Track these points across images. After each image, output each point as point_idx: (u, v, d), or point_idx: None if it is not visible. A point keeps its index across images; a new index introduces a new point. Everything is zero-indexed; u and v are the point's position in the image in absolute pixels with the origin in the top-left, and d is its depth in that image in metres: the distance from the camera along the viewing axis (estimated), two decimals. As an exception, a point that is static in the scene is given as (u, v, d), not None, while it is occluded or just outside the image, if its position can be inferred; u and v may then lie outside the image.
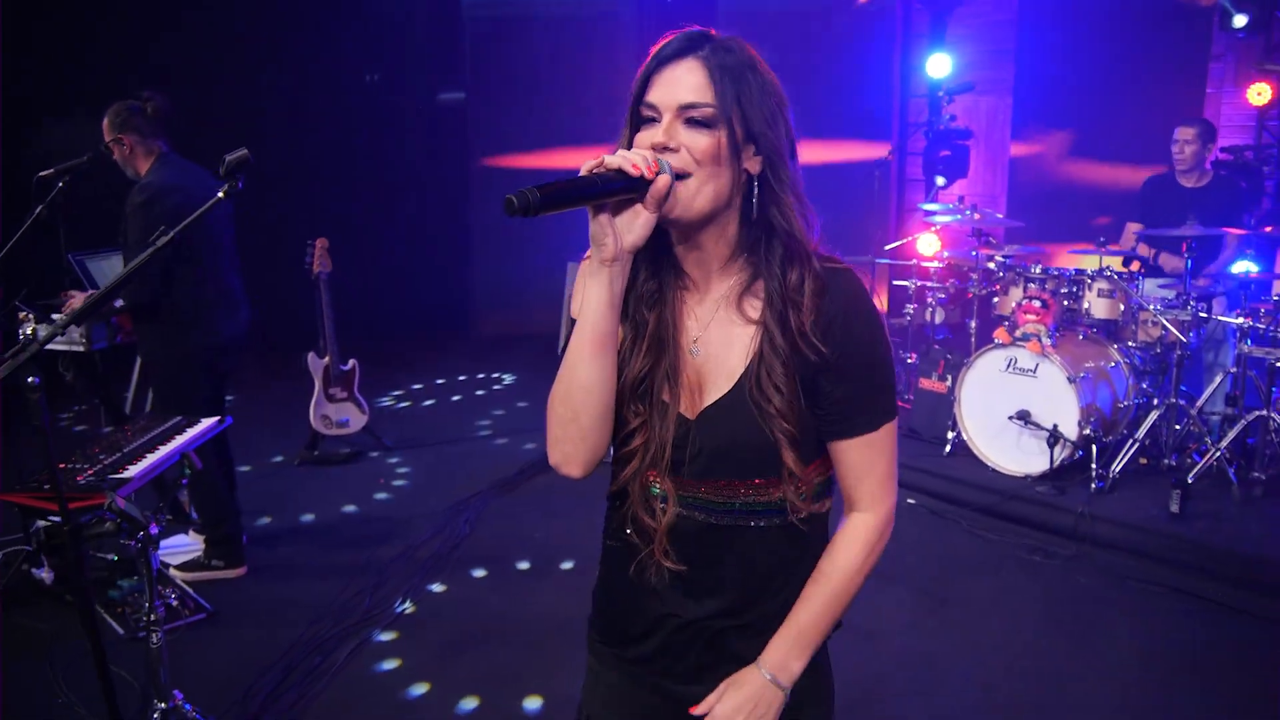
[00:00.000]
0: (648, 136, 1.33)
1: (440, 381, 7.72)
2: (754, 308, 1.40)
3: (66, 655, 3.23)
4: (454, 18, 9.15)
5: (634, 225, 1.30)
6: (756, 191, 1.36)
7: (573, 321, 1.43)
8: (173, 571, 4.00)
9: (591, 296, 1.34)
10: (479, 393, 7.41)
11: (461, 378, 7.83)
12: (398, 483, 5.36)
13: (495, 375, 7.90)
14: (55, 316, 3.91)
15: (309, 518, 4.84)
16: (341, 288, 5.59)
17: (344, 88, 9.37)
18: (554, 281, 8.02)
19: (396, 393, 7.30)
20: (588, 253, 1.38)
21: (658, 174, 1.28)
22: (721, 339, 1.42)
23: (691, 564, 1.44)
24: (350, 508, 4.98)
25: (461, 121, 9.55)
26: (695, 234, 1.38)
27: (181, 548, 4.30)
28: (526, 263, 8.89)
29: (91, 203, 4.34)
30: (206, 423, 2.84)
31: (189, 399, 3.84)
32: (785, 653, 1.44)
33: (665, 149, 1.31)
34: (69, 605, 3.66)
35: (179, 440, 2.66)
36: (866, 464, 1.42)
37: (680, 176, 1.31)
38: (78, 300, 3.94)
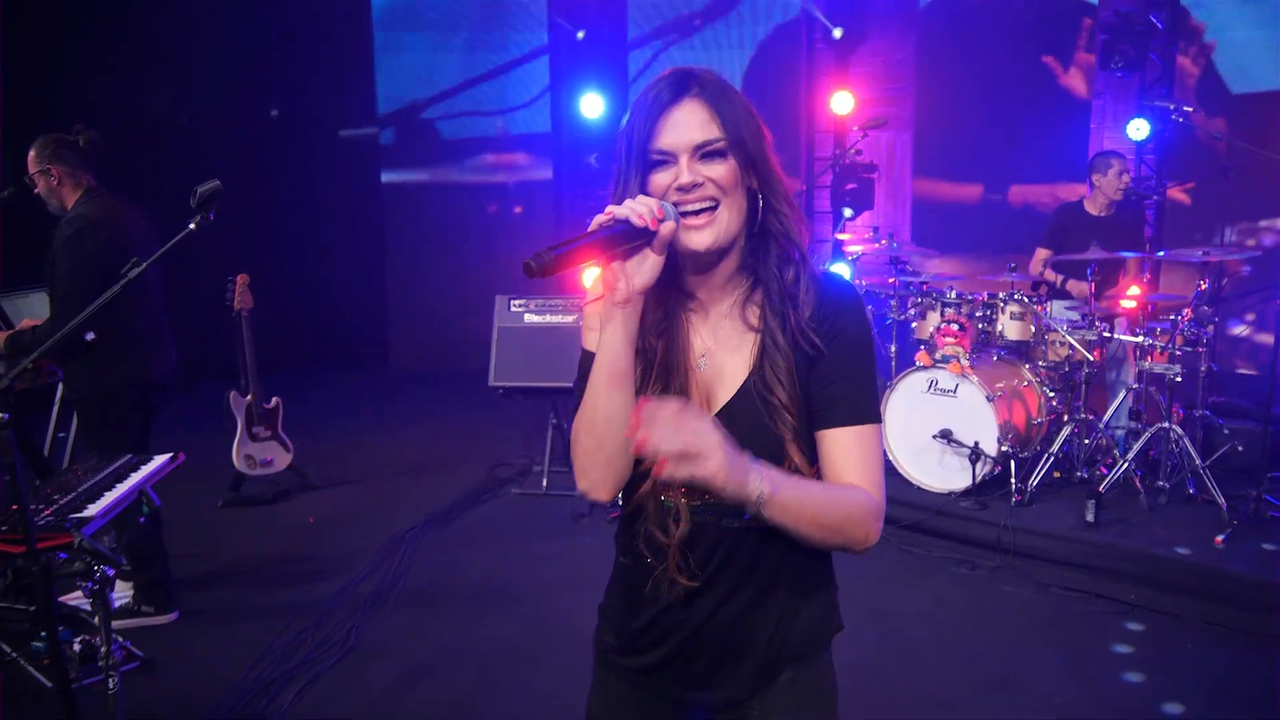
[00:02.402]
0: (667, 177, 1.43)
1: (364, 417, 7.61)
2: (755, 315, 1.50)
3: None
4: (365, 53, 9.11)
5: (643, 268, 1.40)
6: (760, 204, 1.47)
7: (584, 354, 1.52)
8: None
9: (609, 337, 1.41)
10: (405, 426, 7.33)
11: (388, 412, 7.74)
12: (328, 521, 5.26)
13: (421, 407, 7.82)
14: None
15: (239, 560, 4.71)
16: (261, 323, 5.48)
17: (252, 121, 9.23)
18: (478, 311, 8.00)
19: (321, 428, 7.15)
20: (589, 297, 1.50)
21: (663, 221, 1.37)
22: (728, 350, 1.51)
23: (704, 574, 1.50)
24: (282, 548, 4.87)
25: (373, 155, 9.51)
26: (711, 259, 1.47)
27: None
28: (447, 295, 8.87)
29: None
30: (159, 460, 2.77)
31: (119, 437, 3.73)
32: (780, 473, 1.37)
33: (694, 186, 1.41)
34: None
35: (135, 478, 2.59)
36: (857, 457, 1.46)
37: (712, 206, 1.42)
38: None
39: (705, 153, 1.42)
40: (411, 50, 9.26)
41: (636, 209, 1.35)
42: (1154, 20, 7.51)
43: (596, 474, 1.46)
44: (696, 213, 1.42)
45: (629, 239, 1.36)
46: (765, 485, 1.31)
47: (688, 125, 1.42)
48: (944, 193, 8.55)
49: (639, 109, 1.45)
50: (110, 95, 7.61)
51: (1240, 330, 6.42)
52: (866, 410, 1.48)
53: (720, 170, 1.42)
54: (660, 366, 1.49)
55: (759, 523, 1.44)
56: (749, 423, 1.45)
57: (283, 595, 4.27)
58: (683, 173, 1.41)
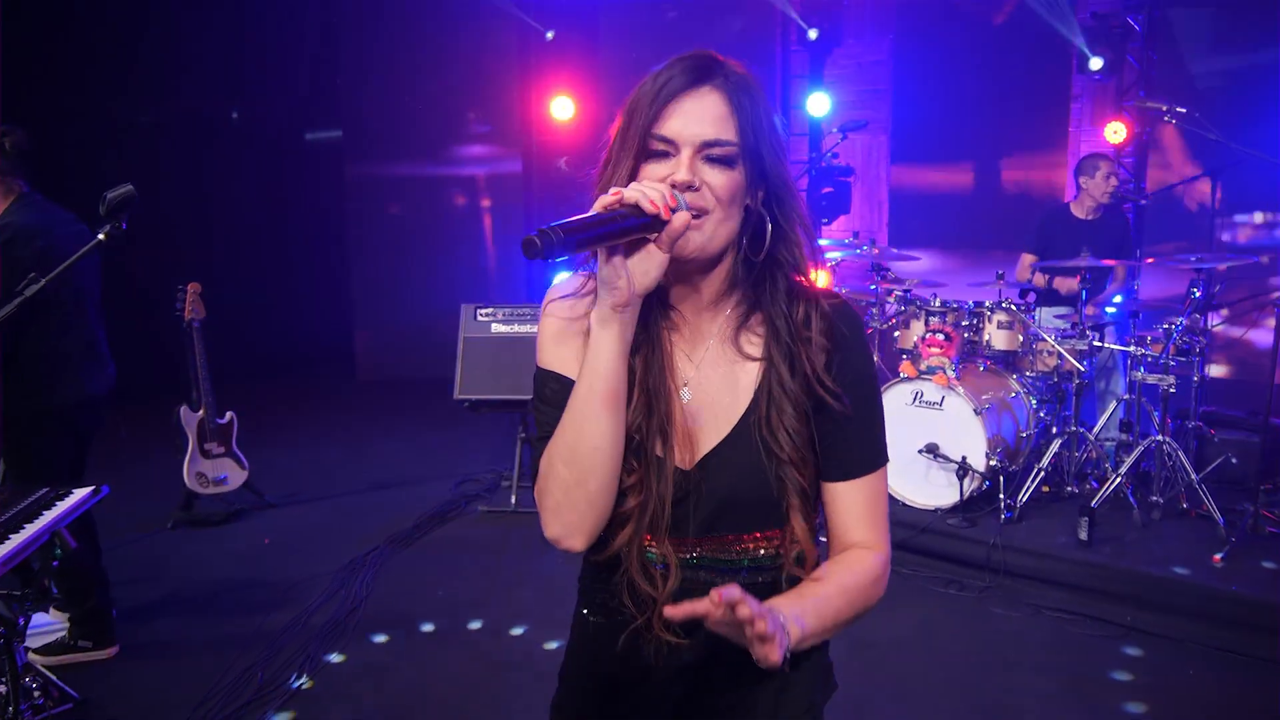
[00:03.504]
0: (663, 170, 1.21)
1: (325, 430, 7.31)
2: (753, 344, 1.30)
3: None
4: (334, 57, 8.84)
5: (648, 266, 1.18)
6: (769, 227, 1.27)
7: (546, 374, 1.30)
8: (32, 656, 3.55)
9: (603, 347, 1.20)
10: (367, 440, 7.04)
11: (347, 425, 7.44)
12: (285, 543, 4.98)
13: (383, 421, 7.54)
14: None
15: (187, 586, 4.43)
16: (214, 334, 5.21)
17: (209, 124, 8.93)
18: (444, 322, 7.76)
19: (277, 443, 6.86)
20: (555, 296, 1.30)
21: (675, 211, 1.16)
22: (718, 379, 1.30)
23: (693, 634, 1.28)
24: (233, 573, 4.59)
25: (337, 159, 9.23)
26: (693, 270, 1.27)
27: (41, 627, 3.84)
28: (413, 304, 8.61)
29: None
30: (79, 494, 2.50)
31: (49, 464, 3.47)
32: (798, 606, 1.20)
33: (688, 188, 1.20)
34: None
35: (48, 516, 2.33)
36: (867, 506, 1.31)
37: (697, 215, 1.20)
38: None
39: (712, 155, 1.21)
40: (374, 43, 8.98)
41: (648, 193, 1.14)
42: (1131, 23, 7.42)
43: (575, 516, 1.24)
44: None
45: (638, 227, 1.15)
46: (794, 631, 1.14)
47: (699, 117, 1.21)
48: (922, 181, 8.37)
49: (647, 87, 1.23)
50: (66, 98, 7.31)
51: (1235, 332, 6.28)
52: (876, 455, 1.31)
53: (722, 180, 1.21)
54: (641, 387, 1.27)
55: (758, 576, 1.29)
56: (746, 468, 1.25)
57: (233, 626, 4.00)
58: (681, 168, 1.20)
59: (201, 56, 8.71)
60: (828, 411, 1.27)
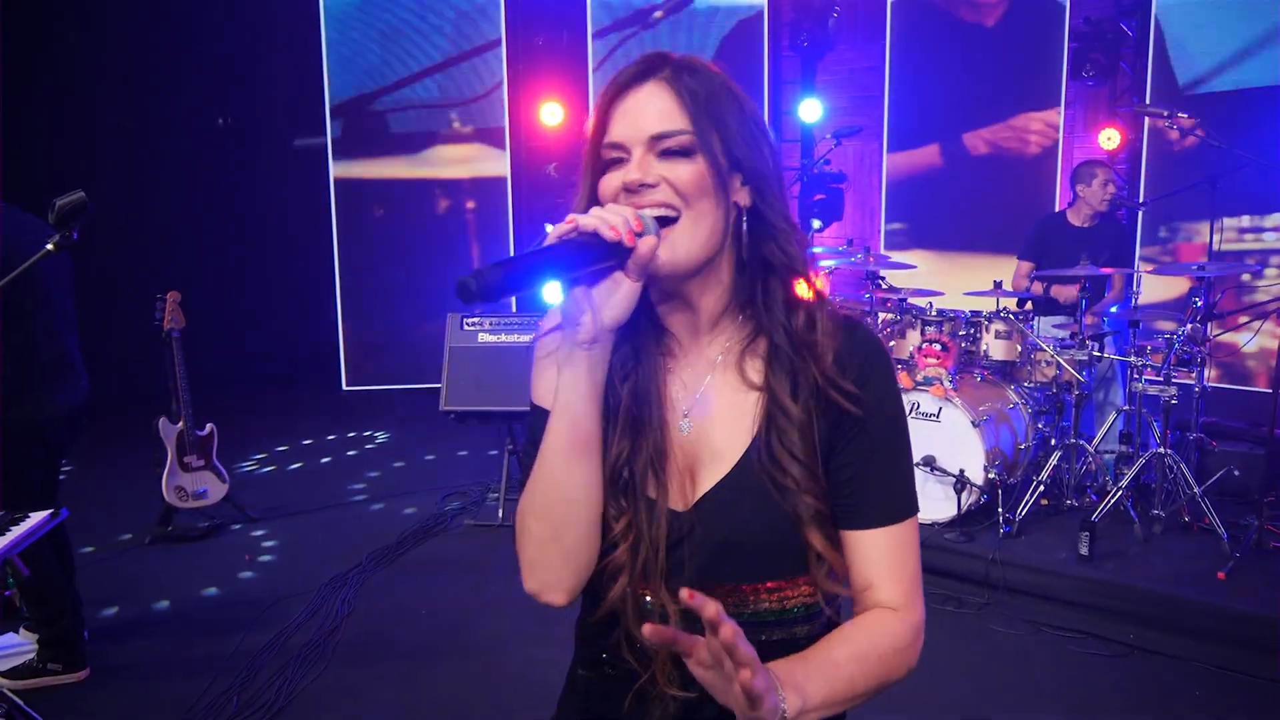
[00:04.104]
0: (616, 178, 1.09)
1: (307, 442, 7.17)
2: (757, 370, 1.15)
3: None
4: (315, 57, 8.69)
5: (615, 298, 1.06)
6: (746, 225, 1.13)
7: (537, 410, 1.17)
8: (-2, 681, 3.43)
9: (568, 388, 1.08)
10: (350, 453, 6.90)
11: (330, 437, 7.30)
12: (265, 558, 4.85)
13: (367, 433, 7.40)
14: None
15: (163, 605, 4.29)
16: (194, 343, 5.08)
17: (194, 130, 8.79)
18: (429, 332, 7.63)
19: (259, 456, 6.73)
20: (543, 328, 1.16)
21: (641, 235, 1.03)
22: (718, 409, 1.16)
23: (699, 690, 1.16)
24: (211, 590, 4.45)
25: (323, 166, 9.09)
26: (682, 286, 1.13)
27: (9, 649, 3.71)
28: (398, 313, 8.46)
29: None
30: (35, 518, 2.37)
31: (21, 478, 3.34)
32: (801, 671, 1.07)
33: (643, 186, 1.07)
34: None
35: (1, 543, 2.20)
36: (892, 561, 1.16)
37: (667, 222, 1.07)
38: None
39: (665, 149, 1.09)
40: (361, 42, 8.84)
41: (608, 219, 1.01)
42: (1125, 28, 7.36)
43: (551, 574, 1.12)
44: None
45: (597, 258, 1.02)
46: (792, 702, 1.00)
47: (642, 113, 1.09)
48: (917, 187, 8.25)
49: (598, 99, 1.12)
50: (46, 102, 7.18)
51: (1236, 342, 6.20)
52: (904, 503, 1.16)
53: (683, 172, 1.08)
54: (627, 418, 1.14)
55: (763, 633, 1.15)
56: (751, 508, 1.11)
57: (209, 646, 3.86)
58: (631, 169, 1.08)
59: (183, 60, 8.57)
60: (847, 431, 1.13)
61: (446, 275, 8.80)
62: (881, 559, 1.16)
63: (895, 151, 8.23)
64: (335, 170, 8.70)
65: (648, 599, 1.14)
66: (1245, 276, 5.94)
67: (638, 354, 1.16)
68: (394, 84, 8.70)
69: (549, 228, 1.04)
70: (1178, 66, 6.82)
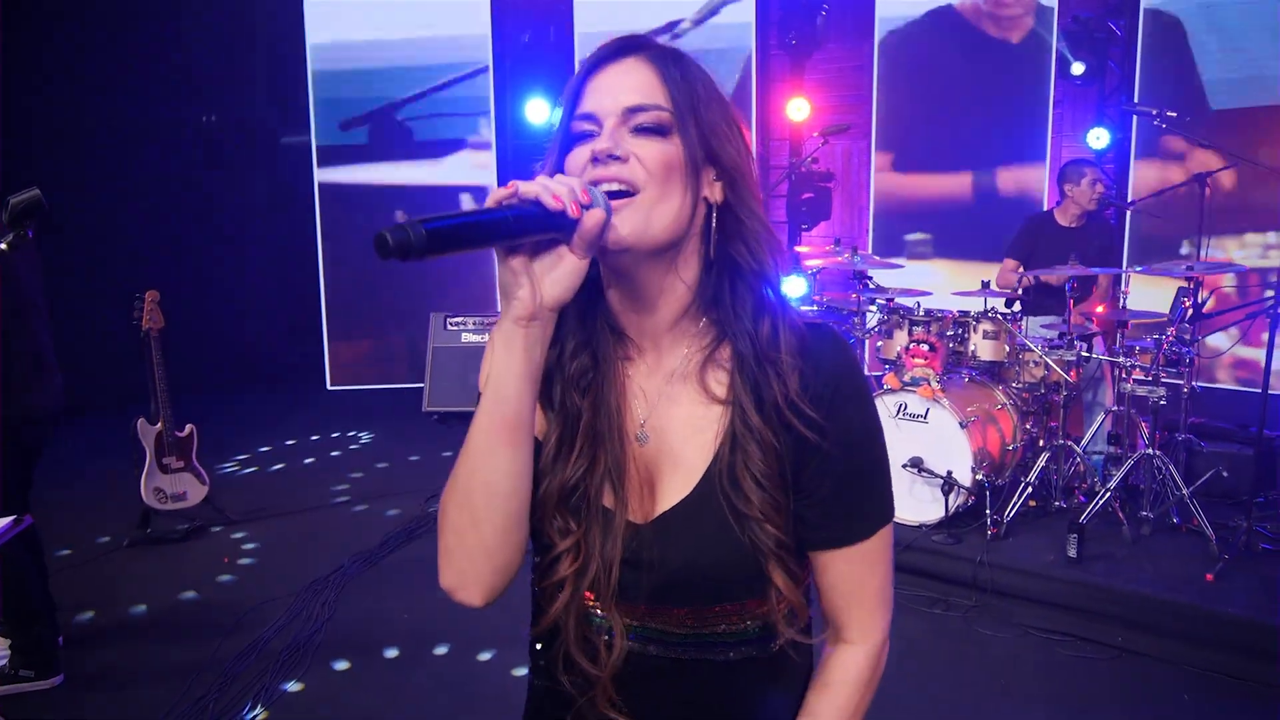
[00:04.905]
0: (585, 150, 1.03)
1: (289, 442, 7.09)
2: (721, 382, 1.09)
3: None
4: (298, 56, 8.61)
5: (558, 274, 0.99)
6: (716, 221, 1.07)
7: (479, 396, 1.09)
8: (-32, 688, 3.36)
9: (501, 366, 1.01)
10: (333, 454, 6.82)
11: (313, 437, 7.22)
12: (245, 561, 4.78)
13: (351, 434, 7.32)
14: None
15: (140, 609, 4.22)
16: (176, 343, 5.01)
17: (175, 128, 8.69)
18: (413, 330, 7.56)
19: (241, 457, 6.65)
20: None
21: (588, 208, 0.96)
22: (679, 422, 1.10)
23: (644, 712, 1.10)
24: (189, 594, 4.38)
25: (307, 164, 9.02)
26: (641, 279, 1.07)
27: (-20, 655, 3.64)
28: (382, 310, 8.39)
29: None
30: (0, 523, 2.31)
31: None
32: None
33: (611, 157, 1.01)
34: None
35: (-37, 546, 2.14)
36: (856, 581, 1.12)
37: (625, 194, 1.00)
38: None
39: (640, 125, 1.03)
40: (345, 48, 8.78)
41: (551, 187, 0.94)
42: (1114, 27, 7.34)
43: (467, 564, 1.06)
44: (608, 195, 1.01)
45: (539, 227, 0.95)
46: None
47: (621, 85, 1.04)
48: (905, 187, 8.22)
49: (576, 72, 1.07)
50: (27, 101, 7.09)
51: (1224, 343, 6.19)
52: (876, 517, 1.11)
53: (654, 151, 1.02)
54: (587, 432, 1.08)
55: (723, 652, 1.09)
56: (711, 533, 1.06)
57: (186, 651, 3.80)
58: (602, 139, 1.02)
59: (166, 59, 8.48)
60: (811, 454, 1.06)
61: (430, 276, 8.74)
62: (841, 581, 1.12)
63: (885, 169, 8.17)
64: (319, 173, 8.64)
65: (599, 613, 1.10)
66: (1230, 279, 5.94)
67: (596, 361, 1.10)
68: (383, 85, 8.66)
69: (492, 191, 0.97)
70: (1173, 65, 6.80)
